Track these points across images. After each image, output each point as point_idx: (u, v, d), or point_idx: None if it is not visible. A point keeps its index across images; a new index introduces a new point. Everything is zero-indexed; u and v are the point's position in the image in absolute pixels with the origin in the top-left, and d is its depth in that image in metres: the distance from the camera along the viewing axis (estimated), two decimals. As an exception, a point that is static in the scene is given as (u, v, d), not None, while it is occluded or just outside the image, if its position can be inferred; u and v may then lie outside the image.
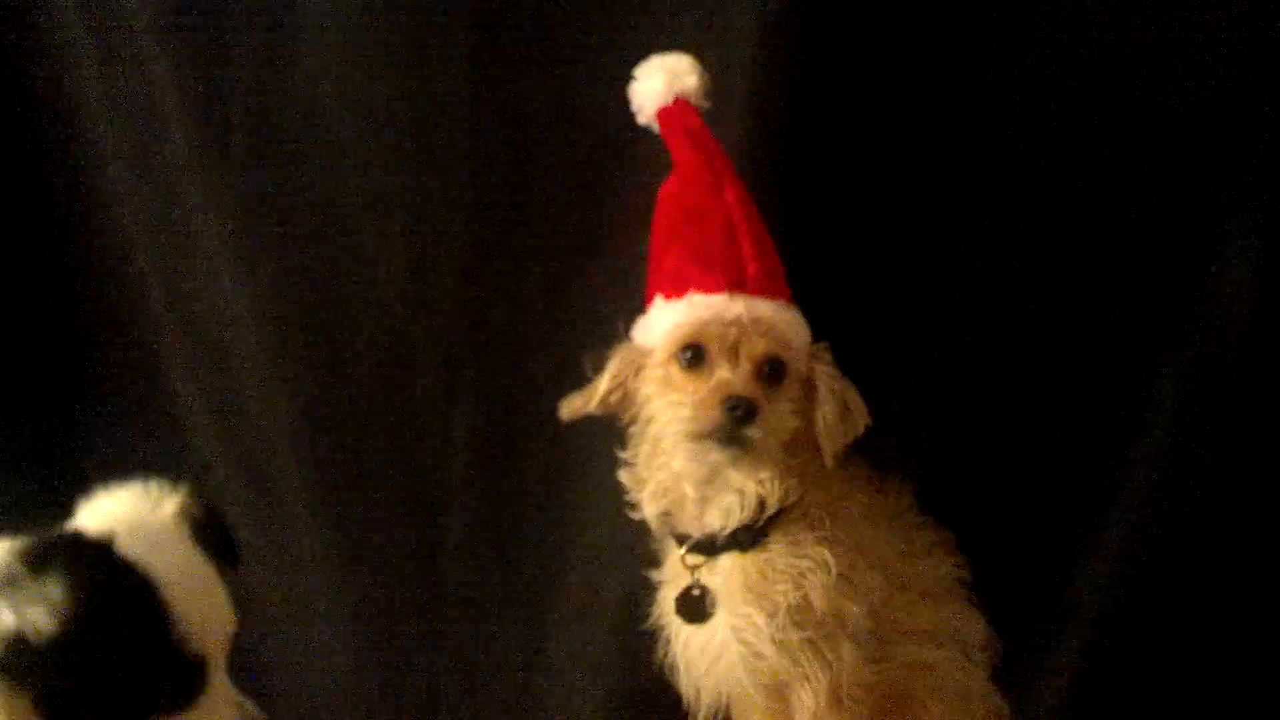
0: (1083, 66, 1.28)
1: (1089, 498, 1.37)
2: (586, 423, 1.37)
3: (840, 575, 1.07)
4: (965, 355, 1.35)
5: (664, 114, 1.18)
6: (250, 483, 1.48)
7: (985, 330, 1.34)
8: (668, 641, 1.17)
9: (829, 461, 1.10)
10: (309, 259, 1.39)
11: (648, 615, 1.19)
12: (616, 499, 1.18)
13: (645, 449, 1.14)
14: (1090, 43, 1.28)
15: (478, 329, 1.40)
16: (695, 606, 1.11)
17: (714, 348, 1.08)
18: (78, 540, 0.84)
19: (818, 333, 1.14)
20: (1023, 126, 1.30)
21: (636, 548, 1.23)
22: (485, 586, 1.48)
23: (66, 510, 0.90)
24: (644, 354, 1.14)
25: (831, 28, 1.26)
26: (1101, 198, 1.31)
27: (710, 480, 1.10)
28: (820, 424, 1.09)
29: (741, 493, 1.09)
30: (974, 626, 1.18)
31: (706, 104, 1.19)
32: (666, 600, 1.16)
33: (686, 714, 1.18)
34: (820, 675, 1.07)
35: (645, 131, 1.24)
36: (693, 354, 1.09)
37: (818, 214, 1.30)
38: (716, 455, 1.08)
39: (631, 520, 1.17)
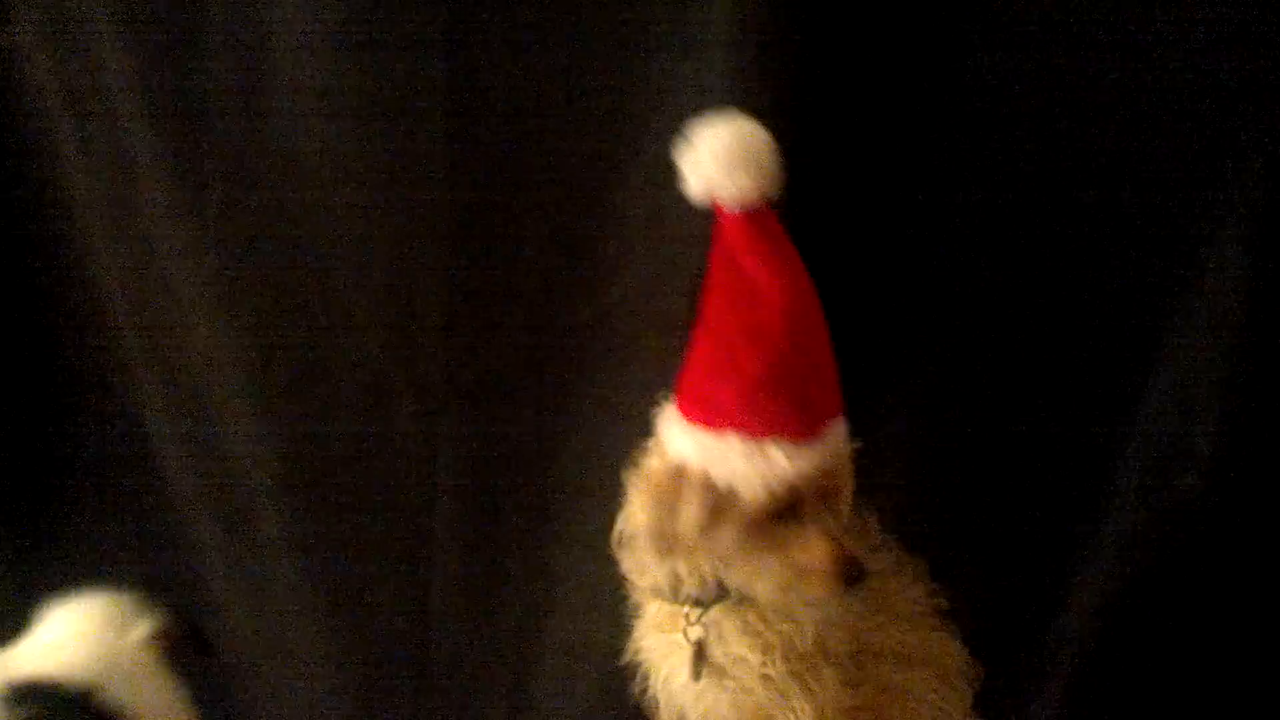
0: (1070, 58, 1.26)
1: (1073, 524, 1.36)
2: (570, 463, 1.41)
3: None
4: (942, 375, 1.33)
5: (746, 219, 0.99)
6: (231, 531, 1.47)
7: (964, 348, 1.33)
8: (646, 678, 1.15)
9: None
10: (287, 306, 1.38)
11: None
12: (602, 541, 1.16)
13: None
14: (1074, 33, 1.25)
15: (459, 373, 1.39)
16: (701, 662, 1.07)
17: (809, 500, 0.99)
18: (56, 692, 0.83)
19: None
20: (1005, 125, 1.28)
21: (622, 590, 1.20)
22: (471, 631, 1.47)
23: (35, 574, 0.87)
24: (726, 498, 0.98)
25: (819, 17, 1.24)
26: (1089, 195, 1.29)
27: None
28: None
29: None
30: (950, 650, 1.16)
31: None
32: (645, 638, 1.14)
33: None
34: (805, 705, 1.04)
35: (631, 169, 1.25)
36: (787, 509, 0.99)
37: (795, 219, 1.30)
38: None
39: (617, 565, 1.14)
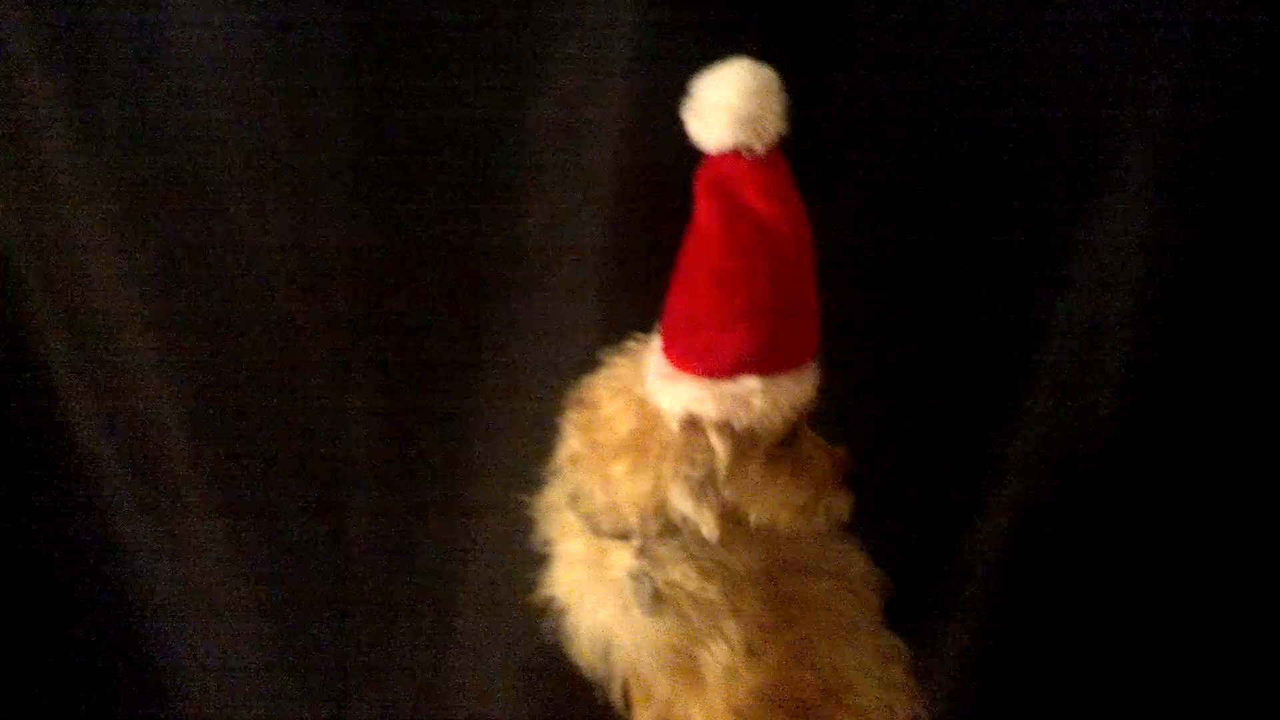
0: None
1: (984, 443, 1.36)
2: (487, 395, 1.38)
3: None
4: (851, 292, 1.25)
5: (747, 163, 0.96)
6: (144, 480, 1.43)
7: (873, 267, 1.31)
8: (564, 613, 1.13)
9: None
10: (190, 247, 1.34)
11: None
12: (520, 479, 1.15)
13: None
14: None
15: (370, 307, 1.36)
16: (651, 592, 1.05)
17: (801, 419, 1.01)
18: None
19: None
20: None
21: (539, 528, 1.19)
22: (392, 573, 1.45)
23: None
24: (745, 439, 0.98)
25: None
26: (994, 114, 1.27)
27: None
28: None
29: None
30: (854, 561, 1.15)
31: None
32: (566, 571, 1.13)
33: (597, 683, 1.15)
34: (733, 624, 1.04)
35: (540, 94, 1.22)
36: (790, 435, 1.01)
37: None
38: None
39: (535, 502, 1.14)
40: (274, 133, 1.30)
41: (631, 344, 1.07)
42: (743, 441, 0.98)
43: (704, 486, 0.99)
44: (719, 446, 0.98)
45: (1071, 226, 1.30)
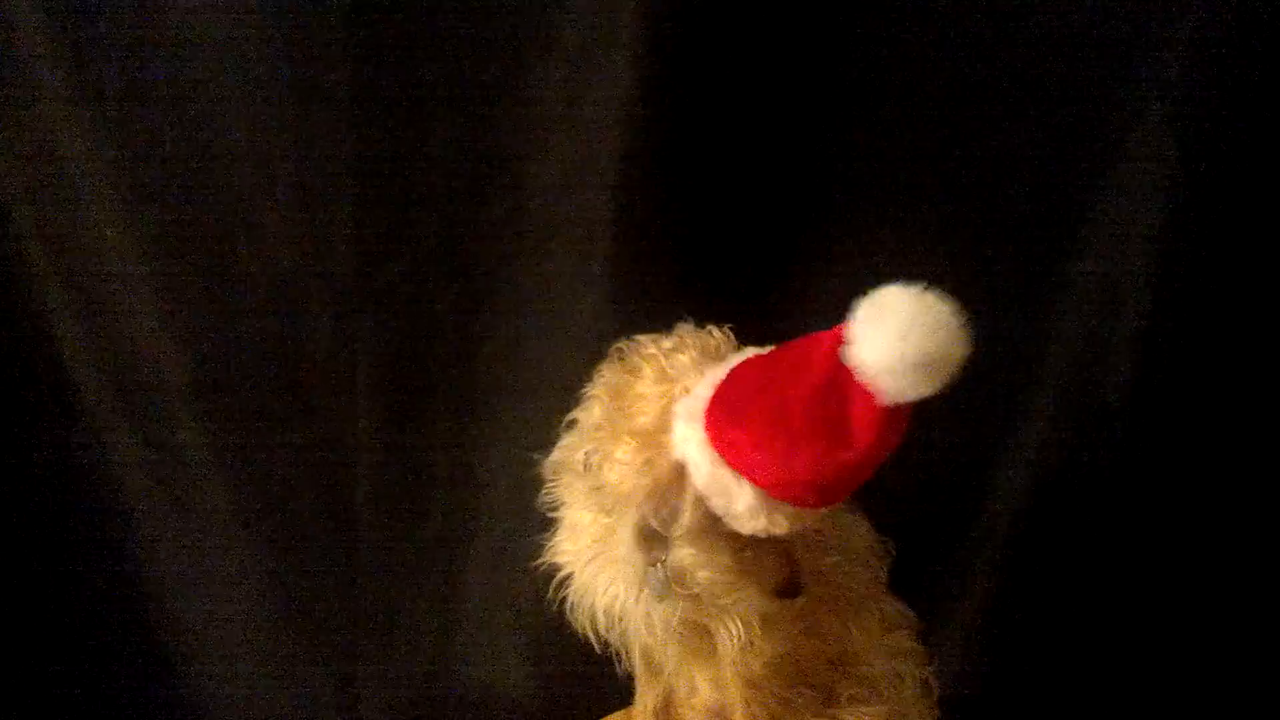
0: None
1: (1001, 406, 1.34)
2: (490, 362, 1.37)
3: None
4: (863, 264, 1.22)
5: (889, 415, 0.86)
6: (147, 442, 1.42)
7: (888, 241, 1.29)
8: (565, 581, 1.10)
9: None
10: (193, 207, 1.32)
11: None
12: (525, 444, 1.11)
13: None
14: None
15: (373, 273, 1.34)
16: (669, 577, 1.00)
17: None
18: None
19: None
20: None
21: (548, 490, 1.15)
22: (398, 538, 1.44)
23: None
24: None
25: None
26: (1008, 82, 1.25)
27: None
28: None
29: None
30: (859, 531, 1.12)
31: None
32: (571, 541, 1.11)
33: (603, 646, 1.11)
34: (751, 603, 1.00)
35: (545, 57, 1.21)
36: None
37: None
38: None
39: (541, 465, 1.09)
40: (275, 98, 1.28)
41: (716, 337, 1.01)
42: (712, 524, 0.95)
43: (654, 534, 0.96)
44: (687, 513, 0.94)
45: (1077, 227, 1.28)
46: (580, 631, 1.10)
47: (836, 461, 0.88)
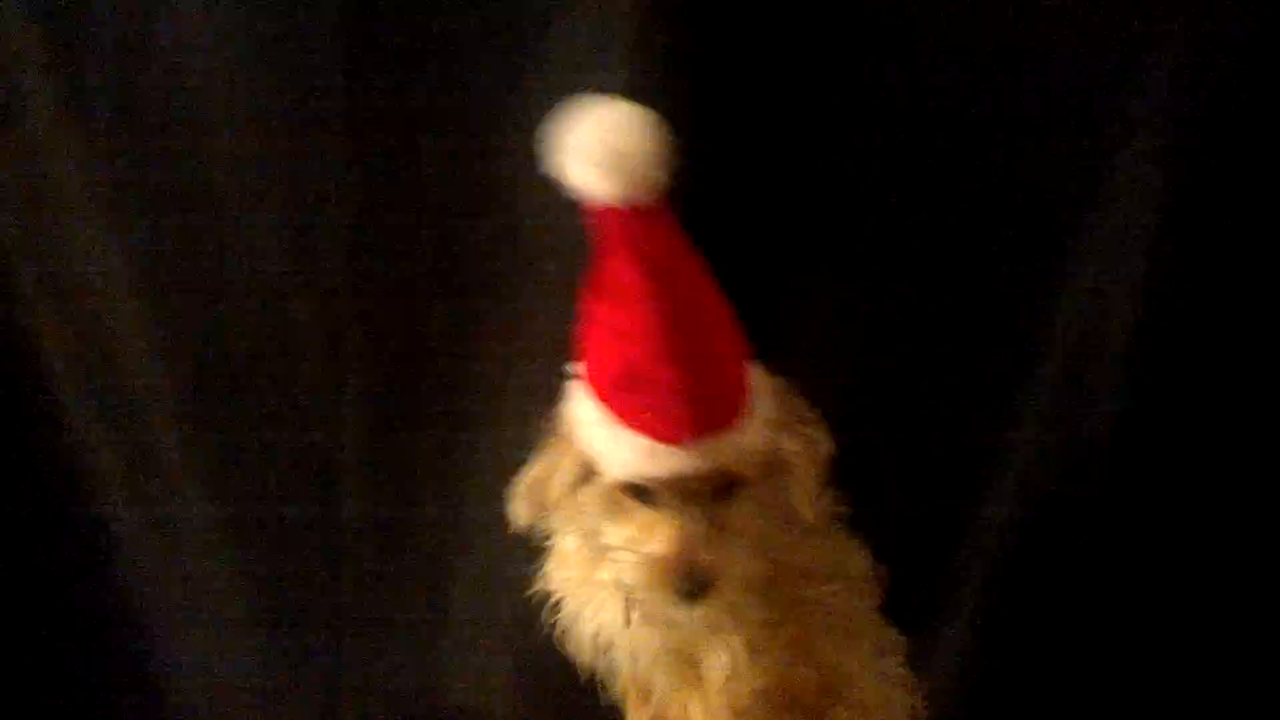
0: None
1: (988, 427, 1.34)
2: (480, 381, 1.37)
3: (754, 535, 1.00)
4: (853, 285, 1.32)
5: (616, 219, 0.91)
6: (134, 464, 1.42)
7: (874, 260, 1.31)
8: (559, 609, 1.11)
9: (809, 517, 1.00)
10: (183, 231, 1.33)
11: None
12: (513, 467, 1.09)
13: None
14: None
15: (363, 290, 1.34)
16: (633, 604, 1.02)
17: (662, 488, 0.94)
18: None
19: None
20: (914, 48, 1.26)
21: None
22: (385, 559, 1.43)
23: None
24: (588, 462, 0.97)
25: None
26: (999, 108, 1.27)
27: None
28: (797, 498, 0.99)
29: None
30: (853, 558, 1.12)
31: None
32: (560, 570, 1.09)
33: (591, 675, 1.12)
34: (735, 636, 1.01)
35: (537, 76, 1.20)
36: (637, 490, 0.96)
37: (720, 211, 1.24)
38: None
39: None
40: (268, 90, 1.28)
41: None
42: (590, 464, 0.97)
43: (538, 483, 1.00)
44: (569, 455, 0.98)
45: (1071, 236, 1.29)
46: (571, 657, 1.10)
47: (626, 340, 0.92)
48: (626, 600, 1.01)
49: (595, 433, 0.97)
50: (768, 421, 0.98)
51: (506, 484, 1.16)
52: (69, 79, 1.28)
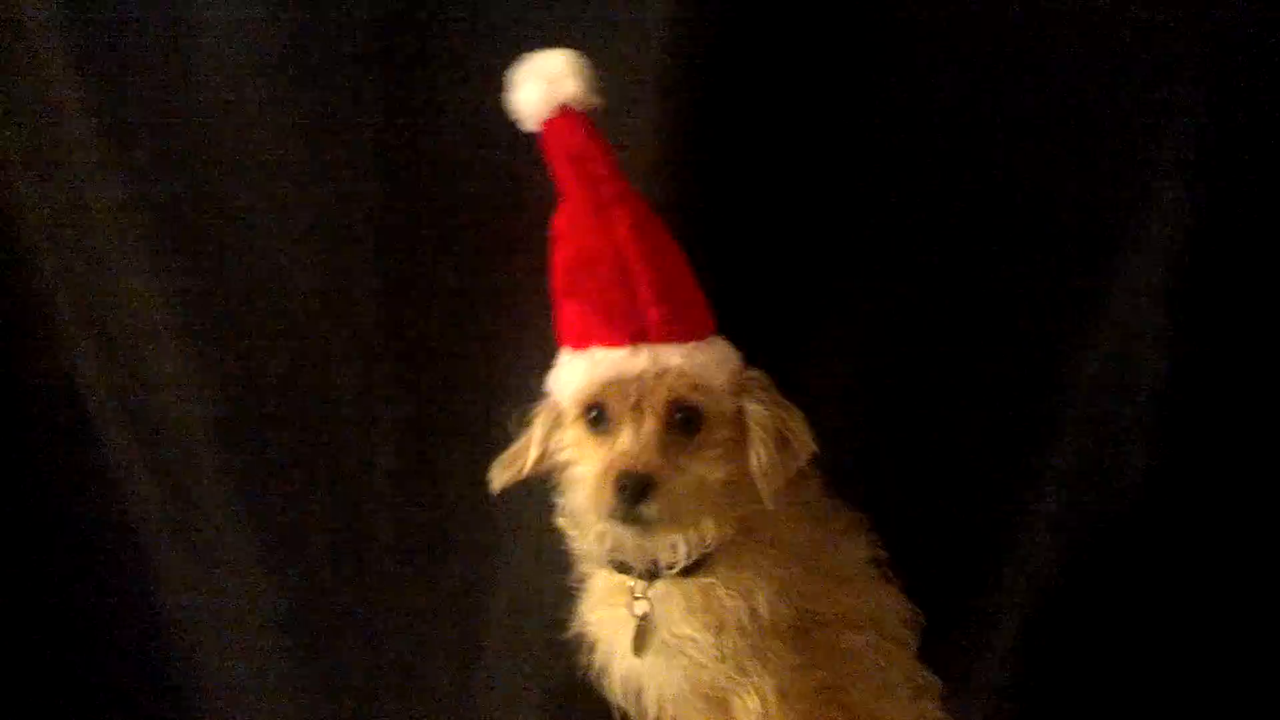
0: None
1: (1021, 468, 1.34)
2: (516, 411, 1.37)
3: (779, 580, 1.01)
4: (885, 331, 1.31)
5: (546, 130, 1.04)
6: (171, 492, 1.43)
7: (907, 308, 1.31)
8: (593, 649, 1.11)
9: (768, 502, 0.98)
10: (219, 264, 1.34)
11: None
12: (547, 497, 1.11)
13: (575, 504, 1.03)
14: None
15: (395, 329, 1.35)
16: (645, 637, 1.03)
17: (616, 407, 0.97)
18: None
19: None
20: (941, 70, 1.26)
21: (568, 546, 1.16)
22: (417, 588, 1.43)
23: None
24: (560, 412, 1.03)
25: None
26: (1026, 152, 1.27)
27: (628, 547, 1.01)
28: (754, 465, 0.98)
29: (674, 545, 1.01)
30: (891, 605, 1.13)
31: (597, 102, 1.04)
32: (592, 610, 1.10)
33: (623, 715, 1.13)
34: (766, 679, 1.01)
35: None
36: (596, 415, 0.99)
37: (739, 212, 1.26)
38: (621, 532, 0.98)
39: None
40: (303, 138, 1.30)
41: None
42: (558, 413, 1.03)
43: (516, 453, 1.05)
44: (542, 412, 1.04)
45: (1101, 276, 1.28)
46: (602, 694, 1.10)
47: (559, 244, 1.03)
48: (639, 626, 1.03)
49: (560, 374, 1.02)
50: (733, 381, 1.01)
51: (536, 519, 1.18)
52: (110, 123, 1.30)
